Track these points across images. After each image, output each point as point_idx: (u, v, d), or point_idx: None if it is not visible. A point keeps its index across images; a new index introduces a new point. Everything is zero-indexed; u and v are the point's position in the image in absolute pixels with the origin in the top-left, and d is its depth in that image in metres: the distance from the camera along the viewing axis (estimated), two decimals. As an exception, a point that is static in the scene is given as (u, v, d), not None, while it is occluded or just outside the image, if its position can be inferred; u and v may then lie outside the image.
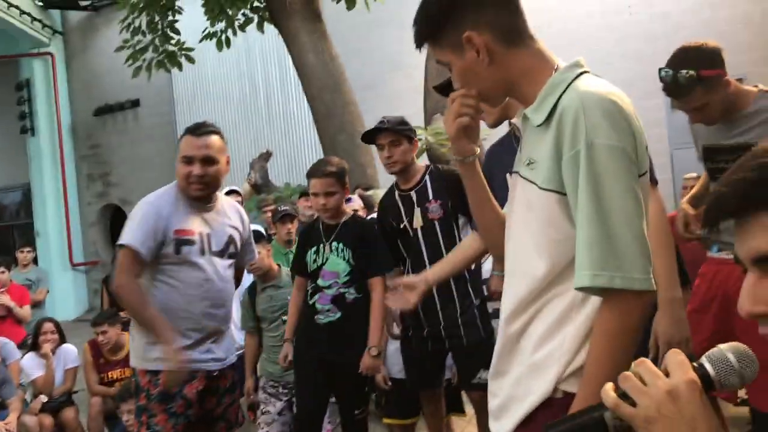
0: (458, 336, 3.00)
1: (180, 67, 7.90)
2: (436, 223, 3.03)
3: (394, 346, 3.87)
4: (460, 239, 3.02)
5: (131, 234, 2.61)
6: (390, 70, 10.18)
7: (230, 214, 2.89)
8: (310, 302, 3.12)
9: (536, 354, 1.38)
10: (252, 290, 4.06)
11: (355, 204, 4.78)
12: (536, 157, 1.37)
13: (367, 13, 7.56)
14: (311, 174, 3.12)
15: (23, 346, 5.73)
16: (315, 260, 3.13)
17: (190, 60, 7.89)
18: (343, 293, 3.07)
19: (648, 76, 8.81)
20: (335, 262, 3.09)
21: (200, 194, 2.72)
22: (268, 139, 10.84)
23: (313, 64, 6.86)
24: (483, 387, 2.96)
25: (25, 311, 6.44)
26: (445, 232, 3.02)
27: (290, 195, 7.71)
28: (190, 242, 2.67)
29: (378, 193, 6.43)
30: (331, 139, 6.84)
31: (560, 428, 0.90)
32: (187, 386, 2.67)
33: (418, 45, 1.47)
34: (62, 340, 5.21)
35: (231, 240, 2.83)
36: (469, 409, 4.54)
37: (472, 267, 3.06)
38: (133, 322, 2.73)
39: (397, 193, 3.16)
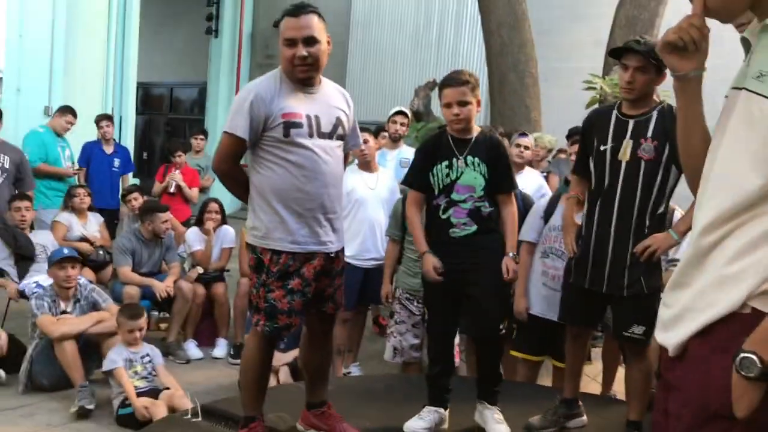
0: (620, 286, 2.88)
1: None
2: (643, 163, 2.83)
3: (537, 282, 3.86)
4: (660, 189, 2.84)
5: (233, 120, 2.65)
6: (570, 18, 9.79)
7: (336, 96, 2.87)
8: (444, 216, 3.03)
9: (729, 267, 1.31)
10: (405, 200, 4.12)
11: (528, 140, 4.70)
12: None
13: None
14: (444, 84, 3.00)
15: (188, 225, 6.24)
16: (448, 174, 3.02)
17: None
18: (479, 207, 2.99)
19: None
20: (472, 176, 3.00)
21: (306, 75, 2.70)
22: (434, 71, 10.83)
23: (496, -2, 6.71)
24: (634, 341, 2.92)
25: (194, 192, 6.98)
26: (648, 176, 2.83)
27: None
28: (298, 125, 2.67)
29: (544, 138, 6.32)
30: (501, 78, 6.72)
31: None
32: (306, 265, 2.74)
33: None
34: (224, 221, 5.62)
35: (339, 122, 2.81)
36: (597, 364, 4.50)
37: (662, 220, 2.91)
38: (254, 203, 2.77)
39: (615, 113, 2.97)
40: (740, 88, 1.39)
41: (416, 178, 3.16)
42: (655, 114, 2.86)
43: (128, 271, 5.13)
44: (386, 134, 5.87)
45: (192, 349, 5.20)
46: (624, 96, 2.89)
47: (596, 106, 6.06)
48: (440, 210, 3.05)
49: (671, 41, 1.44)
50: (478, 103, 3.02)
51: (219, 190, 11.81)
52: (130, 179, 8.04)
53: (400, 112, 5.75)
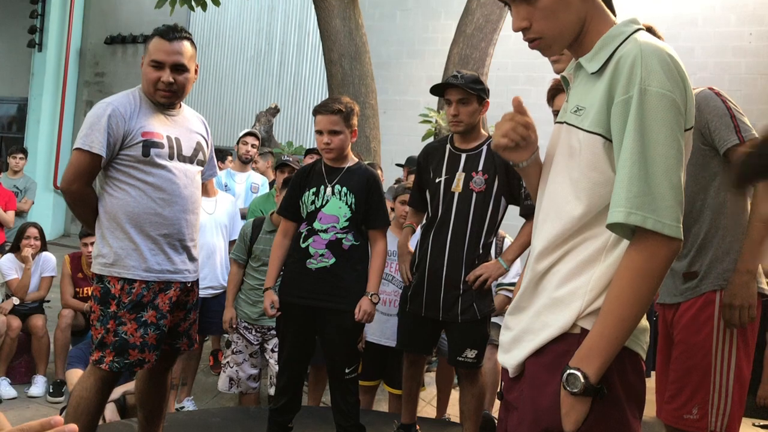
0: (454, 313, 2.94)
1: (204, 7, 7.81)
2: (475, 195, 2.93)
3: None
4: (491, 220, 2.95)
5: (87, 136, 2.48)
6: (408, 54, 10.18)
7: (195, 121, 2.80)
8: (303, 245, 2.95)
9: (559, 290, 1.41)
10: (257, 226, 4.03)
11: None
12: (585, 103, 1.41)
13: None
14: (317, 110, 2.93)
15: (2, 251, 5.70)
16: (313, 202, 2.96)
17: (216, 2, 7.82)
18: (340, 239, 2.92)
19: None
20: (336, 205, 2.93)
21: (167, 101, 2.63)
22: (276, 97, 10.81)
23: (338, 29, 6.83)
24: (467, 365, 3.01)
25: (9, 216, 6.40)
26: (479, 207, 2.93)
27: (291, 153, 7.70)
28: (159, 145, 2.57)
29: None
30: (342, 107, 6.83)
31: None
32: (161, 296, 2.60)
33: None
34: (44, 247, 5.18)
35: (199, 147, 2.74)
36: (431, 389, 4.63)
37: (489, 248, 3.02)
38: (103, 228, 2.59)
39: (448, 147, 3.05)
40: (562, 122, 1.51)
41: (287, 205, 3.08)
42: (485, 148, 2.98)
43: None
44: (230, 157, 5.75)
45: (5, 387, 4.70)
46: (453, 129, 3.00)
47: (431, 138, 6.35)
48: (301, 238, 2.98)
49: (503, 145, 1.53)
50: (354, 133, 2.96)
51: (38, 215, 10.95)
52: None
53: (251, 134, 5.66)
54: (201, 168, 2.77)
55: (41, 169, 12.26)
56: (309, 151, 5.42)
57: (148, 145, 2.54)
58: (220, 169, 5.24)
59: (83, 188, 2.55)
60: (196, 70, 2.68)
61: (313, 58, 10.72)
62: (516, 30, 1.45)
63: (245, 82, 11.50)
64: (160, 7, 7.61)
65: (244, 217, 4.96)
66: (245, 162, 5.61)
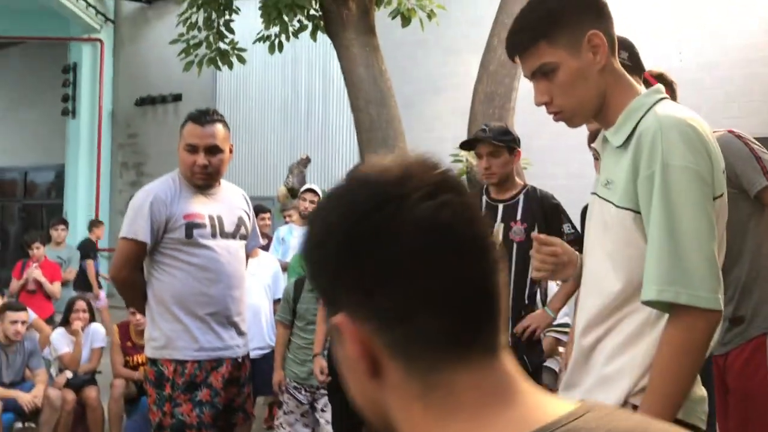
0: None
1: (230, 65, 8.01)
2: (515, 245, 2.92)
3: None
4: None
5: (132, 225, 2.58)
6: (432, 91, 10.24)
7: (236, 196, 2.87)
8: None
9: (607, 367, 1.41)
10: (299, 285, 4.05)
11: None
12: (614, 177, 1.43)
13: (412, 33, 7.65)
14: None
15: (50, 322, 5.81)
16: None
17: (242, 60, 8.00)
18: None
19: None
20: None
21: (204, 183, 2.70)
22: (305, 146, 10.92)
23: (362, 77, 6.92)
24: None
25: (56, 288, 6.55)
26: (521, 256, 2.89)
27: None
28: (201, 225, 2.63)
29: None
30: (373, 153, 6.90)
31: None
32: (213, 374, 2.64)
33: (526, 46, 1.45)
34: (92, 319, 5.29)
35: (241, 221, 2.80)
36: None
37: (534, 298, 3.00)
38: (153, 312, 2.64)
39: (484, 198, 3.05)
40: (594, 194, 1.54)
41: None
42: (521, 197, 3.00)
43: (-14, 384, 4.66)
44: (268, 213, 5.87)
45: (63, 461, 4.77)
46: (487, 181, 3.01)
47: (464, 177, 6.35)
48: None
49: (542, 278, 1.66)
50: None
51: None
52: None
53: (310, 190, 5.76)
54: (244, 242, 2.82)
55: (82, 233, 12.51)
56: None
57: (191, 226, 2.61)
58: (259, 223, 5.33)
59: (131, 274, 2.62)
60: (230, 150, 2.75)
61: (339, 104, 10.84)
62: (538, 104, 1.48)
63: (274, 133, 11.65)
64: (188, 69, 7.81)
65: (285, 269, 5.02)
66: (305, 217, 5.69)
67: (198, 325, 2.60)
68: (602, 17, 1.43)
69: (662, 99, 1.43)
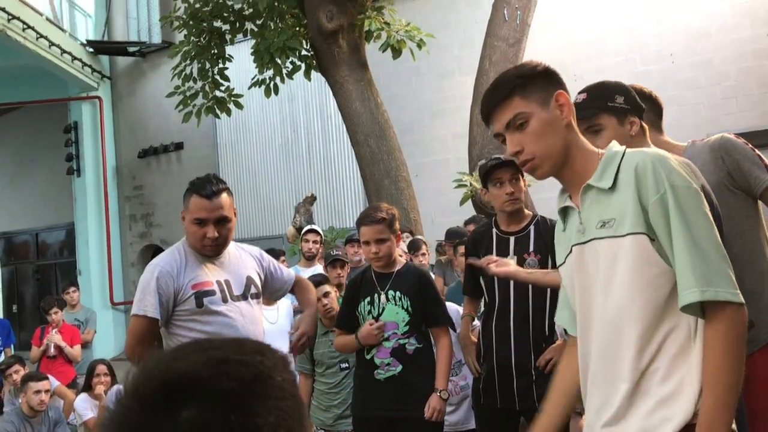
0: (531, 401, 2.83)
1: (229, 112, 8.10)
2: None
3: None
4: (552, 299, 2.85)
5: (141, 302, 2.60)
6: (429, 116, 10.31)
7: (242, 257, 2.87)
8: (368, 357, 2.95)
9: (665, 386, 1.49)
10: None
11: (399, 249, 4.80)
12: (609, 216, 1.56)
13: (405, 61, 7.72)
14: (361, 221, 2.99)
15: (73, 386, 5.82)
16: (370, 311, 2.97)
17: (239, 106, 8.09)
18: (403, 344, 2.91)
19: (688, 124, 8.74)
20: (393, 311, 2.94)
21: (214, 253, 2.71)
22: (309, 183, 10.98)
23: (359, 112, 6.97)
24: None
25: (76, 351, 6.56)
26: (538, 288, 2.85)
27: (334, 238, 7.78)
28: (210, 292, 2.64)
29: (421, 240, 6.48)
30: (377, 185, 6.92)
31: None
32: None
33: (502, 99, 1.64)
34: (114, 381, 5.29)
35: (250, 281, 2.80)
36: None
37: (554, 328, 2.95)
38: None
39: (495, 231, 3.02)
40: (584, 243, 1.62)
41: (344, 321, 3.12)
42: (532, 228, 2.97)
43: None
44: (283, 257, 5.88)
45: None
46: (510, 208, 2.94)
47: (469, 202, 6.36)
48: (365, 350, 2.98)
49: None
50: (398, 237, 3.02)
51: (100, 335, 11.22)
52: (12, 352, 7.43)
53: (312, 231, 5.78)
54: (258, 299, 2.82)
55: (96, 288, 12.60)
56: (349, 241, 5.50)
57: (201, 295, 2.62)
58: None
59: (146, 351, 2.63)
60: (234, 214, 2.76)
61: (339, 139, 10.90)
62: (510, 155, 1.66)
63: (277, 171, 11.73)
64: (186, 121, 7.90)
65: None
66: (309, 258, 5.70)
67: None
68: (563, 85, 1.65)
69: (626, 149, 1.62)
